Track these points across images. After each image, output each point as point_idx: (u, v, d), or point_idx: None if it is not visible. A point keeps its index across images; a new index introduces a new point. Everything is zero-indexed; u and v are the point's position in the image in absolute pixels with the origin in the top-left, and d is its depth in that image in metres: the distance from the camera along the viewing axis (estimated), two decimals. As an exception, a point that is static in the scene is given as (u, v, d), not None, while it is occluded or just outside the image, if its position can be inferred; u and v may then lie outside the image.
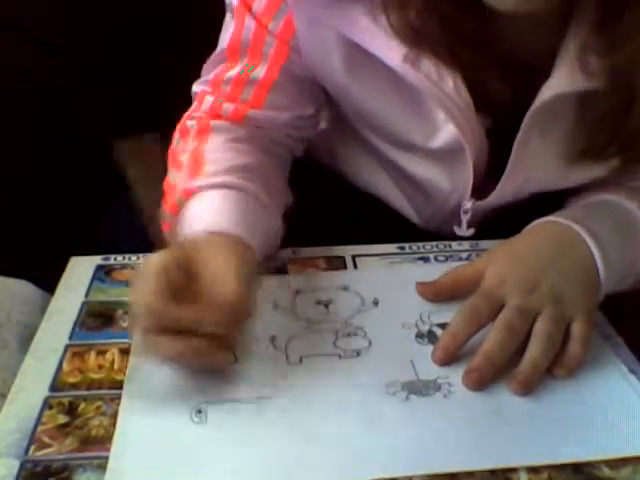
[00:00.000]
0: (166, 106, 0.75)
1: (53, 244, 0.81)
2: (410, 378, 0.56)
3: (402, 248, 0.73)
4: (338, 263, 0.71)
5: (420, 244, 0.74)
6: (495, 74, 0.63)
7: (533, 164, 0.67)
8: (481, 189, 0.70)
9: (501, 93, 0.64)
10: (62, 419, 0.53)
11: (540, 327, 0.57)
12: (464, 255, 0.73)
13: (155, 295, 0.52)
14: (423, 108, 0.66)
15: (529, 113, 0.62)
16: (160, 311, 0.52)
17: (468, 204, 0.71)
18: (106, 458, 0.49)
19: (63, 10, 0.99)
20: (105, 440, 0.51)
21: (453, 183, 0.71)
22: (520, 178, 0.68)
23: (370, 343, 0.60)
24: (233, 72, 0.71)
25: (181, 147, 0.73)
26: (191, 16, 0.94)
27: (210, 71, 0.74)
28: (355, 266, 0.71)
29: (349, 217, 0.81)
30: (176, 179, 0.69)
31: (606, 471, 0.50)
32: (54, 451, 0.50)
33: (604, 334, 0.62)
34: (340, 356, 0.59)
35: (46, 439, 0.51)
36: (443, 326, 0.61)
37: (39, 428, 0.52)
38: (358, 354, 0.59)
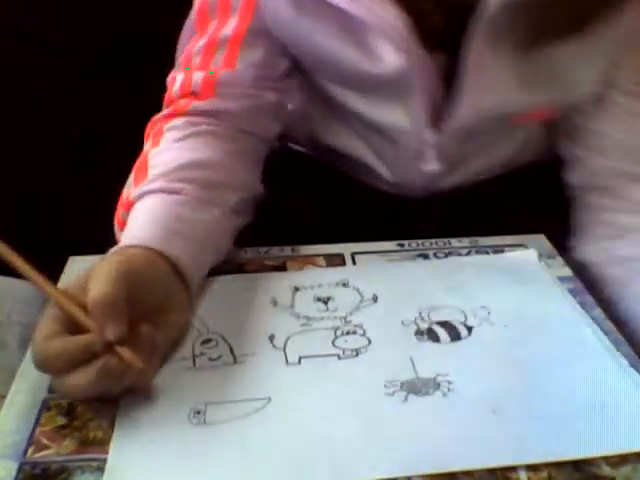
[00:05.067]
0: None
1: (53, 244, 0.80)
2: (409, 376, 0.56)
3: (401, 245, 0.73)
4: (337, 260, 0.71)
5: (420, 241, 0.74)
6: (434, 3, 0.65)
7: (488, 81, 0.67)
8: (443, 123, 0.71)
9: (438, 21, 0.65)
10: (61, 421, 0.52)
11: None
12: (463, 252, 0.72)
13: (48, 336, 0.51)
14: (369, 42, 0.67)
15: (478, 26, 0.63)
16: (60, 348, 0.51)
17: (428, 135, 0.72)
18: (105, 460, 0.49)
19: (63, 12, 0.99)
20: (104, 442, 0.51)
21: (411, 118, 0.72)
22: (477, 97, 0.68)
23: (369, 341, 0.60)
24: (203, 40, 0.73)
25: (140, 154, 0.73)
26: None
27: (181, 52, 0.75)
28: (354, 263, 0.71)
29: (341, 208, 0.82)
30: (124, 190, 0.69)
31: (606, 469, 0.49)
32: (53, 453, 0.50)
33: (604, 330, 0.62)
34: (339, 356, 0.58)
35: (45, 441, 0.51)
36: (443, 324, 0.61)
37: (38, 430, 0.52)
38: (357, 354, 0.59)
